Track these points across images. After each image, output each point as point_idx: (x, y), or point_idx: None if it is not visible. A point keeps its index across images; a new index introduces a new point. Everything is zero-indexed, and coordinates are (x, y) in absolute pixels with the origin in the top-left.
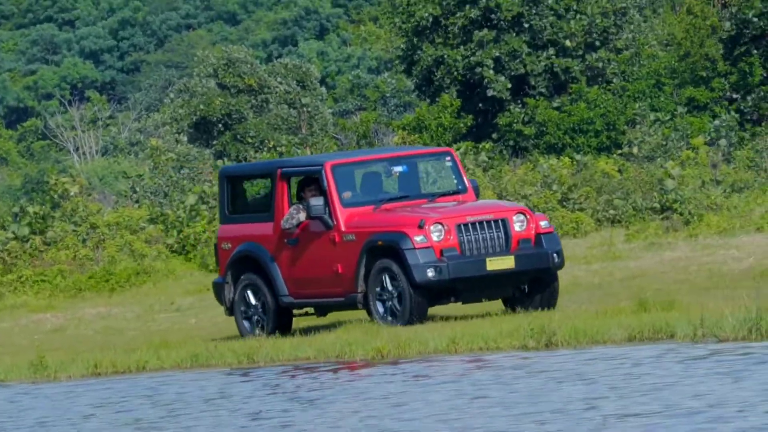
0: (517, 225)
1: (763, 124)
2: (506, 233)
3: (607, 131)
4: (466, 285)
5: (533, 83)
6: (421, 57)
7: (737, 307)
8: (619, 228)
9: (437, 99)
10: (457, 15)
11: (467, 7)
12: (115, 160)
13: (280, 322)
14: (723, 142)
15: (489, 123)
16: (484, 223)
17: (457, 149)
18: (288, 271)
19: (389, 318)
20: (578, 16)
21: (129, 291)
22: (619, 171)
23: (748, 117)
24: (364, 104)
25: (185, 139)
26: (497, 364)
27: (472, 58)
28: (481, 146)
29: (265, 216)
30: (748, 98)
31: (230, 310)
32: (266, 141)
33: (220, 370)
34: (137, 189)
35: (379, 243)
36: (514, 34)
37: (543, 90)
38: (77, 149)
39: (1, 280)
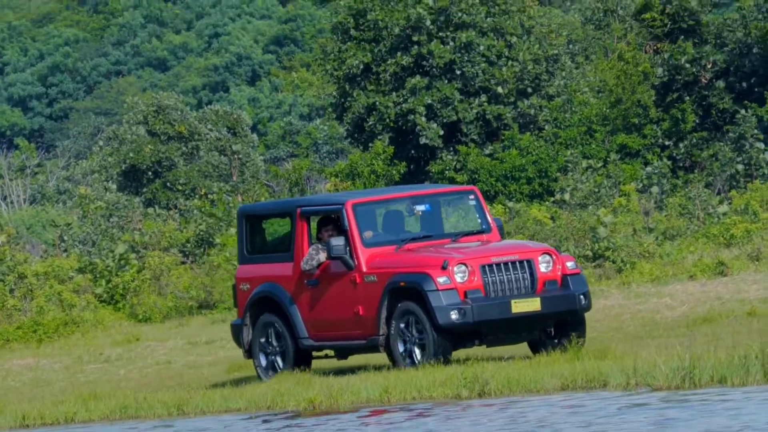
0: (543, 266)
1: (695, 171)
2: (532, 274)
3: (539, 178)
4: (490, 328)
5: (465, 130)
6: (352, 104)
7: (670, 356)
8: None
9: (370, 146)
10: (389, 62)
11: (399, 54)
12: (43, 209)
13: (299, 365)
14: (655, 189)
15: (422, 170)
16: (509, 263)
17: None
18: (308, 312)
19: (409, 361)
20: (510, 62)
21: (57, 341)
22: (552, 218)
23: (681, 164)
24: (296, 151)
25: (114, 187)
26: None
27: (404, 105)
28: None
29: (284, 256)
30: (681, 145)
31: (249, 353)
32: (197, 188)
33: (149, 422)
34: (65, 238)
35: (402, 284)
36: (446, 81)
37: (475, 137)
38: (5, 198)
39: None
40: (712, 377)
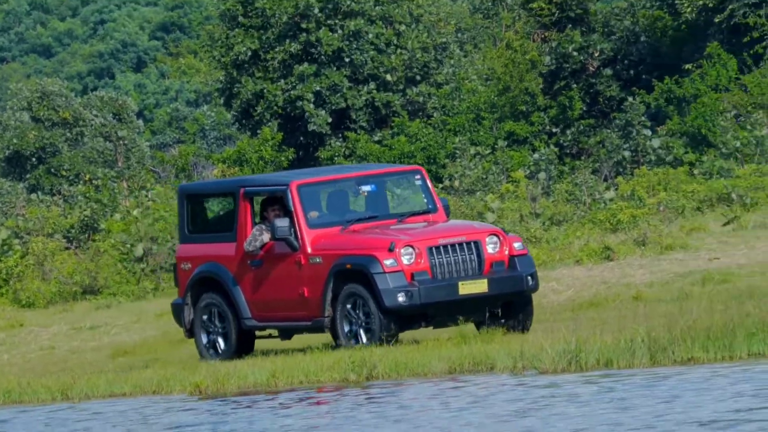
0: (490, 247)
1: (582, 157)
2: (479, 256)
3: (428, 165)
4: (437, 310)
5: (354, 117)
6: (240, 90)
7: (556, 339)
8: None
9: (258, 132)
10: (277, 49)
11: (287, 41)
12: None
13: (241, 345)
14: (542, 175)
15: (311, 156)
16: (456, 245)
17: None
18: (251, 293)
19: (354, 342)
20: (399, 50)
21: None
22: None
23: (568, 151)
24: (183, 137)
25: None
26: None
27: (292, 92)
28: None
29: (227, 236)
30: (568, 132)
31: (190, 332)
32: (81, 174)
33: (34, 406)
34: None
35: (348, 266)
36: (335, 69)
37: (364, 124)
38: None
39: None
40: (598, 360)
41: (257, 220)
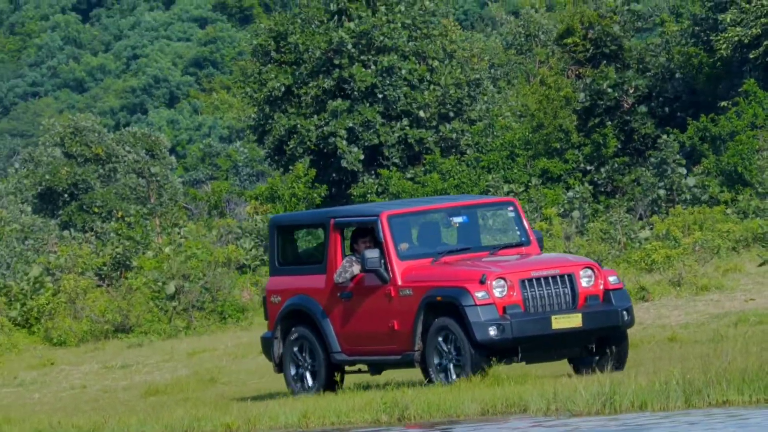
0: (585, 280)
1: (616, 195)
2: (573, 289)
3: None
4: (530, 344)
5: (387, 154)
6: (273, 126)
7: (590, 381)
8: None
9: (290, 169)
10: (310, 85)
11: (320, 77)
12: None
13: (330, 379)
14: (576, 213)
15: (343, 193)
16: (550, 278)
17: None
18: (341, 326)
19: (444, 377)
20: (432, 86)
21: None
22: None
23: (602, 189)
24: (216, 173)
25: (30, 209)
26: None
27: (325, 128)
28: None
29: (317, 268)
30: (602, 170)
31: (279, 367)
32: (114, 211)
33: None
34: None
35: (438, 299)
36: (368, 105)
37: (397, 161)
38: None
39: None
40: (633, 403)
41: (347, 251)
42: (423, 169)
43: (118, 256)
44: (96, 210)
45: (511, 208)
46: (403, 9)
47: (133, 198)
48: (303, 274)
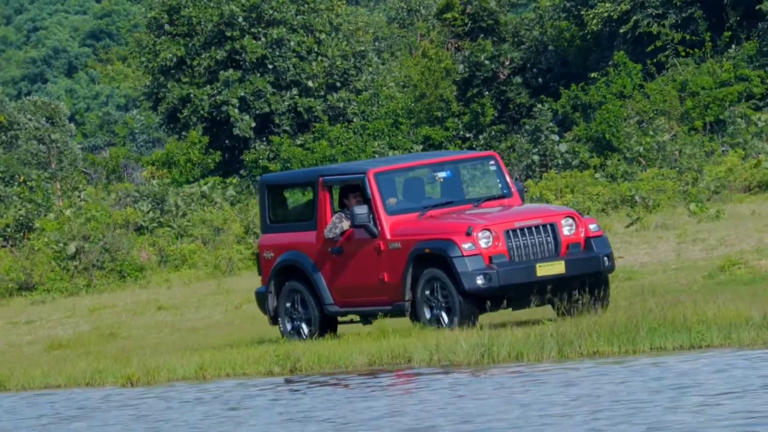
0: (566, 229)
1: None
2: (555, 238)
3: None
4: (516, 292)
5: (278, 121)
6: (166, 95)
7: (470, 334)
8: None
9: (185, 135)
10: (203, 56)
11: (213, 48)
12: None
13: (324, 330)
14: None
15: (236, 159)
16: (533, 228)
17: (205, 184)
18: (332, 280)
19: (437, 325)
20: (319, 58)
21: None
22: None
23: None
24: (114, 140)
25: None
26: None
27: (218, 98)
28: (228, 181)
29: (307, 225)
30: (480, 137)
31: (274, 320)
32: (16, 176)
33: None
34: None
35: (427, 251)
36: (259, 75)
37: (287, 128)
38: None
39: None
40: (510, 353)
41: (336, 208)
42: (312, 136)
43: (20, 218)
44: None
45: (492, 162)
46: None
47: (35, 163)
48: (294, 230)
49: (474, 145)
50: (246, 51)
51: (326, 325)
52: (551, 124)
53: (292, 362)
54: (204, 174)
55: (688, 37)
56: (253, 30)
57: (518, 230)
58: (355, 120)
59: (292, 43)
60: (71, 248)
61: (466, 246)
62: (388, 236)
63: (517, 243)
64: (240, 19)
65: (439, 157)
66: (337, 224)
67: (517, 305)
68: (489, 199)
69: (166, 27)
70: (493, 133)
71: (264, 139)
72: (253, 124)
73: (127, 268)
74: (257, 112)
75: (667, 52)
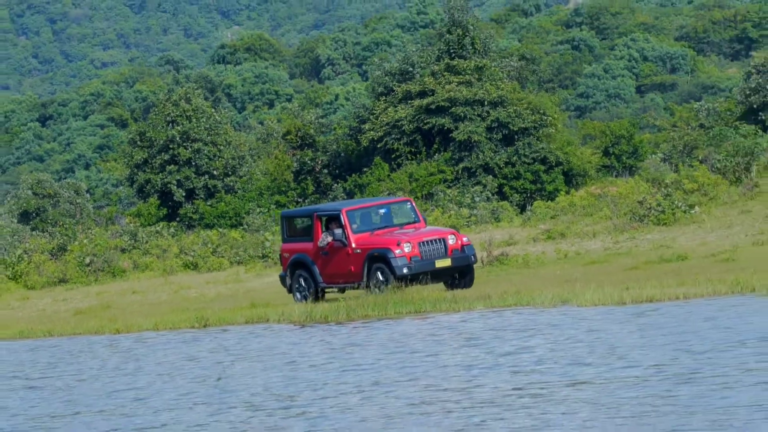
0: (451, 240)
1: None
2: (445, 245)
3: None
4: (424, 276)
5: (197, 193)
6: (137, 179)
7: (303, 306)
8: None
9: (147, 201)
10: (157, 158)
11: (162, 153)
12: None
13: (317, 298)
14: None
15: (175, 213)
16: (433, 240)
17: (158, 226)
18: (323, 269)
19: (378, 292)
20: (219, 158)
21: None
22: None
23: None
24: (110, 203)
25: None
26: None
27: (165, 180)
28: (170, 225)
29: (308, 239)
30: (306, 201)
31: (289, 289)
32: (58, 222)
33: None
34: None
35: (375, 254)
36: (187, 168)
37: (202, 196)
38: None
39: None
40: (321, 316)
41: (323, 230)
42: (215, 200)
43: (60, 244)
44: None
45: (408, 203)
46: (201, 121)
47: (68, 215)
48: (300, 242)
49: (304, 205)
50: (180, 155)
51: (318, 295)
52: (343, 194)
53: (204, 321)
54: (157, 221)
55: (413, 149)
56: (184, 143)
57: (425, 242)
58: (239, 192)
59: (205, 151)
60: (87, 260)
61: (397, 251)
62: (354, 246)
63: (425, 249)
64: (177, 138)
65: (379, 201)
66: (325, 239)
67: (425, 282)
68: (407, 224)
69: (138, 142)
70: (311, 199)
71: (190, 202)
72: (184, 194)
73: (116, 271)
74: (186, 188)
75: (401, 158)
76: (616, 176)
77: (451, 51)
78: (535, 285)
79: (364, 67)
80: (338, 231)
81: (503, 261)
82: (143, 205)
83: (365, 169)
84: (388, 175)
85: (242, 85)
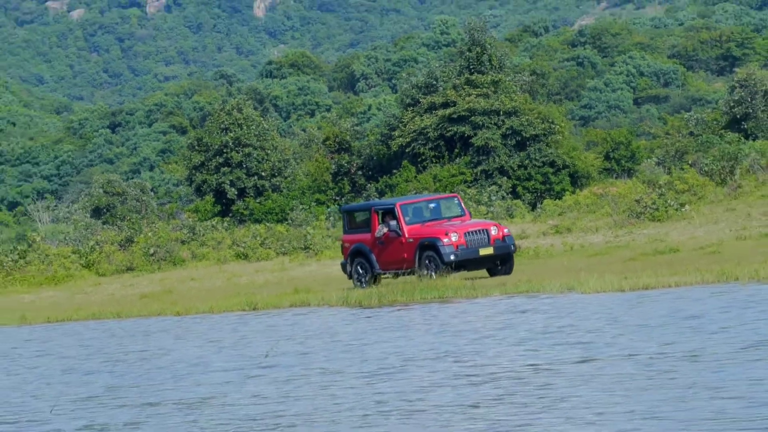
0: (493, 231)
1: None
2: (488, 236)
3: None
4: (469, 262)
5: (248, 192)
6: (195, 179)
7: (344, 291)
8: None
9: (203, 198)
10: (212, 160)
11: (216, 157)
12: None
13: (374, 282)
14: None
15: (228, 209)
16: (477, 230)
17: (213, 221)
18: (379, 257)
19: (430, 277)
20: (266, 161)
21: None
22: None
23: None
24: (171, 200)
25: None
26: None
27: (219, 180)
28: (225, 220)
29: (366, 230)
30: (343, 199)
31: (349, 275)
32: (126, 217)
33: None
34: None
35: (426, 243)
36: (239, 169)
37: (252, 195)
38: None
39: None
40: (355, 301)
41: (381, 222)
42: (263, 198)
43: (128, 236)
44: None
45: (456, 199)
46: (251, 128)
47: (134, 211)
48: (360, 233)
49: (341, 203)
50: (232, 158)
51: (375, 279)
52: (375, 194)
53: (254, 304)
54: (212, 216)
55: (437, 154)
56: (236, 148)
57: (470, 232)
58: (284, 190)
59: (254, 155)
60: (151, 250)
61: (445, 240)
62: (407, 235)
63: (470, 238)
64: (230, 143)
65: (430, 197)
66: (381, 230)
67: (470, 269)
68: (454, 217)
69: (195, 147)
70: (347, 197)
71: (241, 200)
72: (236, 192)
73: (176, 260)
74: (238, 187)
75: (426, 161)
76: (615, 178)
77: (471, 67)
78: (545, 274)
79: (393, 81)
80: (393, 223)
81: (517, 253)
82: (200, 202)
83: (395, 171)
84: (415, 177)
85: (287, 97)
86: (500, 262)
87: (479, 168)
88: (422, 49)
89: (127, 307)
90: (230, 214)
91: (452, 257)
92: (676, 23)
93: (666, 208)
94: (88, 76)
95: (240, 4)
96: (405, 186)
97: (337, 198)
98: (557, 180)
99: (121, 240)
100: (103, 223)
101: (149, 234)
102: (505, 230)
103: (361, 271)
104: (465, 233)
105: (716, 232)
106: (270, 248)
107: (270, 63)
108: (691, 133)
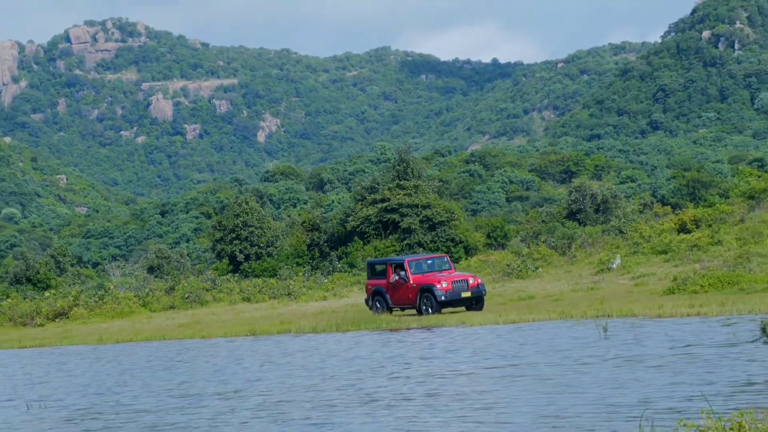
0: (471, 280)
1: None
2: (467, 283)
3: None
4: (454, 302)
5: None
6: (216, 248)
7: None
8: None
9: (222, 262)
10: (227, 236)
11: (230, 233)
12: None
13: (389, 311)
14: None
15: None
16: (460, 280)
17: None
18: (392, 296)
19: (428, 313)
20: (260, 231)
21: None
22: None
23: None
24: (199, 262)
25: None
26: None
27: (229, 248)
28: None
29: (383, 277)
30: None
31: (370, 308)
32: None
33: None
34: None
35: (425, 287)
36: (244, 240)
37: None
38: None
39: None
40: (332, 326)
41: (393, 272)
42: (261, 261)
43: (168, 287)
44: None
45: (445, 258)
46: (254, 215)
47: (179, 273)
48: (379, 279)
49: (315, 265)
50: (241, 234)
51: (390, 310)
52: (336, 261)
53: (254, 329)
54: (227, 273)
55: (376, 233)
56: (244, 228)
57: (456, 280)
58: (275, 256)
59: (256, 232)
60: (186, 295)
61: (438, 286)
62: (411, 282)
63: (455, 285)
64: (240, 224)
65: (427, 256)
66: (394, 278)
67: (455, 306)
68: (445, 270)
69: (217, 227)
70: (316, 262)
71: (247, 262)
72: (243, 257)
73: (202, 302)
74: (244, 253)
75: (370, 237)
76: (494, 250)
77: (400, 176)
78: (445, 312)
79: (349, 185)
80: (402, 273)
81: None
82: (219, 263)
83: (349, 244)
84: (363, 247)
85: (278, 194)
86: (475, 302)
87: (405, 242)
88: (368, 164)
89: (169, 332)
90: (239, 272)
91: (443, 298)
92: (534, 149)
93: (526, 270)
94: (147, 180)
95: (248, 133)
96: (356, 254)
97: (311, 261)
98: (456, 251)
99: (167, 288)
100: (155, 277)
101: (185, 284)
102: (479, 280)
103: (378, 306)
104: (452, 281)
105: (559, 286)
106: (265, 294)
107: (267, 172)
108: (543, 221)
